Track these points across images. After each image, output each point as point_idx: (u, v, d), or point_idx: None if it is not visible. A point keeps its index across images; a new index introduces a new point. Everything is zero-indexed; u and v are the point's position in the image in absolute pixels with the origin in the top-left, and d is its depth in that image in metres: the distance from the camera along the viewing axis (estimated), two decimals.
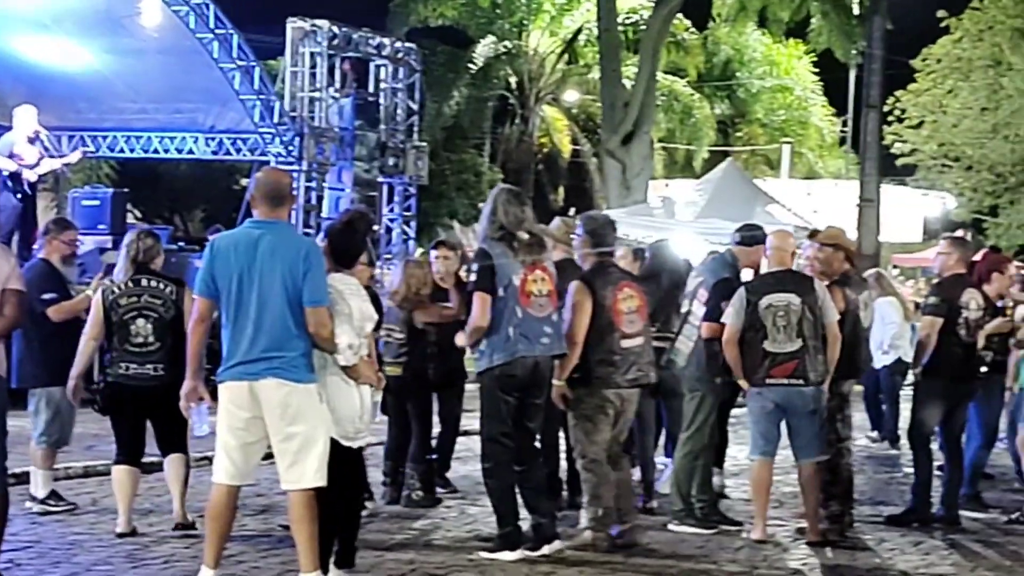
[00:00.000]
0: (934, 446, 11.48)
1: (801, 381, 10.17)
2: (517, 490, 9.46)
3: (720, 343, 10.39)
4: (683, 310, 10.86)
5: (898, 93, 42.88)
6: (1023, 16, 42.25)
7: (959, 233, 18.80)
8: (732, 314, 10.26)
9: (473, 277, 9.33)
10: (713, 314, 10.49)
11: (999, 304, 12.06)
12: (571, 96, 43.20)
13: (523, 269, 9.26)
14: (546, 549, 9.36)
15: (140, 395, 9.69)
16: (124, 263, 9.82)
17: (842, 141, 47.67)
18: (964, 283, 11.38)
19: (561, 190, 46.38)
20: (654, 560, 9.67)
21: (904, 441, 13.62)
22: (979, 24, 43.06)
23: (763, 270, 10.85)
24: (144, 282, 9.76)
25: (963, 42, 43.23)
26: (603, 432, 9.82)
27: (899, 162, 43.23)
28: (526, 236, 9.37)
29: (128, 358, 9.69)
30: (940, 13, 42.38)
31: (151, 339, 9.64)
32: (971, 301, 11.23)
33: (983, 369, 11.69)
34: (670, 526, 10.66)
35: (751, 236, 10.94)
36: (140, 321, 9.69)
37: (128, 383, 9.70)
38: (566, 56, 42.20)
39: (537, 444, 9.84)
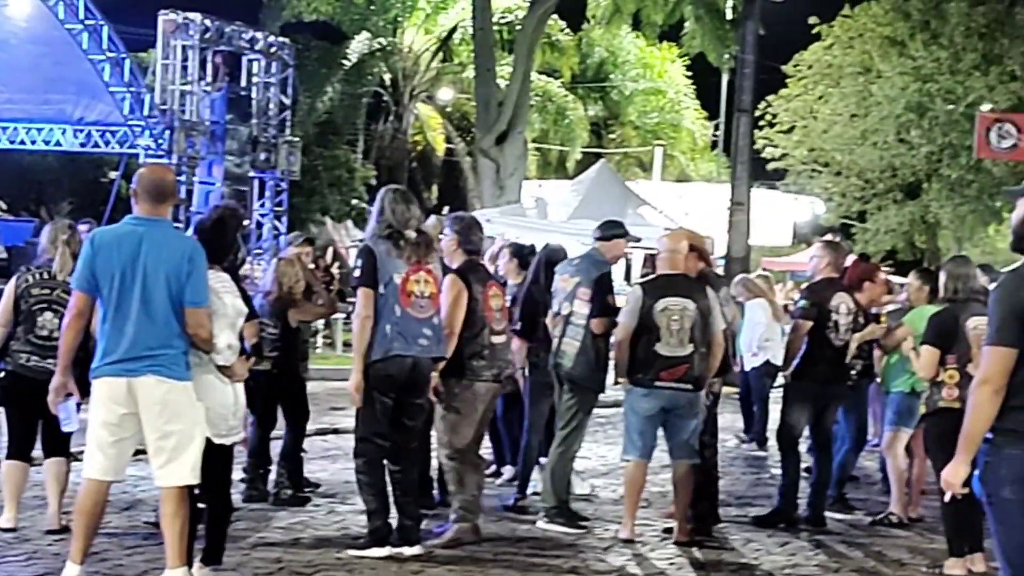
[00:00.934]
0: (802, 448, 11.58)
1: (689, 386, 10.24)
2: (389, 489, 9.42)
3: (602, 338, 10.48)
4: (563, 312, 10.86)
5: (769, 98, 43.37)
6: (893, 24, 42.95)
7: (828, 237, 19.01)
8: (627, 313, 10.27)
9: (356, 273, 9.31)
10: (601, 309, 10.55)
11: (873, 311, 12.23)
12: (445, 94, 43.17)
13: (406, 268, 9.26)
14: (407, 552, 9.33)
15: (36, 389, 9.43)
16: (64, 257, 9.55)
17: (714, 145, 48.14)
18: (835, 287, 11.49)
19: (435, 188, 46.34)
20: (523, 557, 9.66)
21: (772, 442, 13.75)
22: (850, 31, 43.70)
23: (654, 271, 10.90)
24: (59, 276, 9.54)
25: (834, 49, 43.85)
26: (470, 424, 9.90)
27: (770, 166, 43.75)
28: (413, 235, 9.36)
29: (30, 350, 9.47)
30: (812, 20, 42.96)
31: (56, 334, 9.39)
32: (841, 305, 11.35)
33: (853, 373, 11.83)
34: (540, 524, 10.66)
35: (611, 232, 11.05)
36: (48, 314, 9.46)
37: (26, 375, 9.43)
38: (441, 54, 42.14)
39: (414, 445, 9.79)
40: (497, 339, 9.98)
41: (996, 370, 5.94)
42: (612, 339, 10.56)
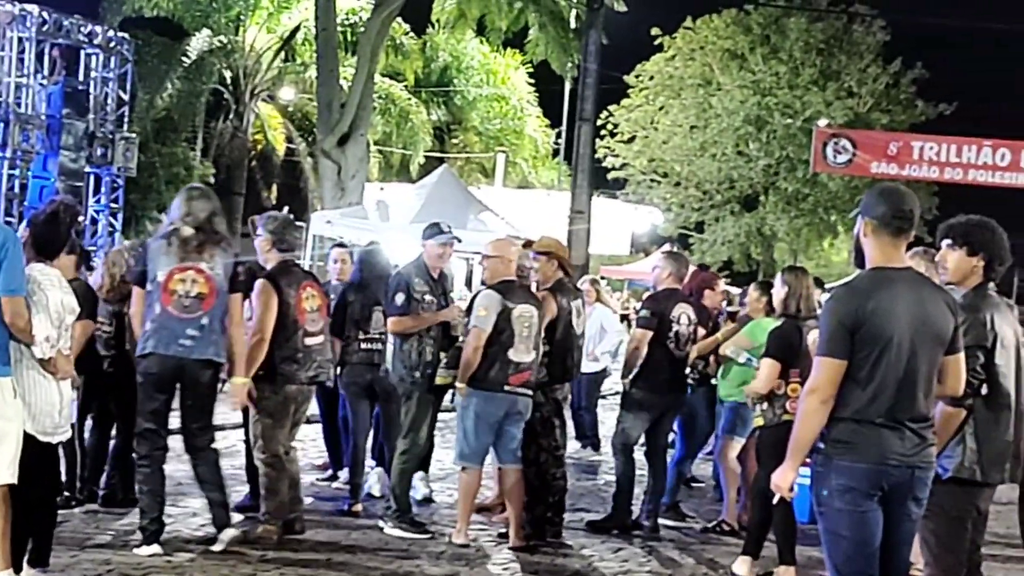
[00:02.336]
0: (638, 454, 11.64)
1: (530, 392, 10.31)
2: (193, 480, 9.50)
3: (405, 335, 10.51)
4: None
5: (611, 108, 43.77)
6: (734, 38, 43.60)
7: (668, 247, 19.18)
8: (485, 319, 10.20)
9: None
10: (391, 309, 10.56)
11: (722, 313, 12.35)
12: (287, 94, 42.79)
13: (172, 267, 9.18)
14: (223, 536, 9.37)
15: None
16: None
17: (556, 152, 48.31)
18: (676, 297, 11.58)
19: (275, 188, 45.90)
20: (358, 561, 9.61)
21: (606, 448, 13.81)
22: (691, 44, 44.32)
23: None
24: None
25: (675, 61, 44.43)
26: (284, 428, 9.93)
27: (610, 176, 44.13)
28: (190, 234, 9.25)
29: None
30: (654, 31, 43.43)
31: None
32: (682, 315, 11.44)
33: (691, 382, 11.93)
34: (384, 528, 10.59)
35: (427, 232, 11.01)
36: None
37: None
38: (283, 54, 41.78)
39: (206, 442, 9.64)
40: (312, 341, 9.98)
41: (825, 380, 6.04)
42: (467, 343, 10.43)
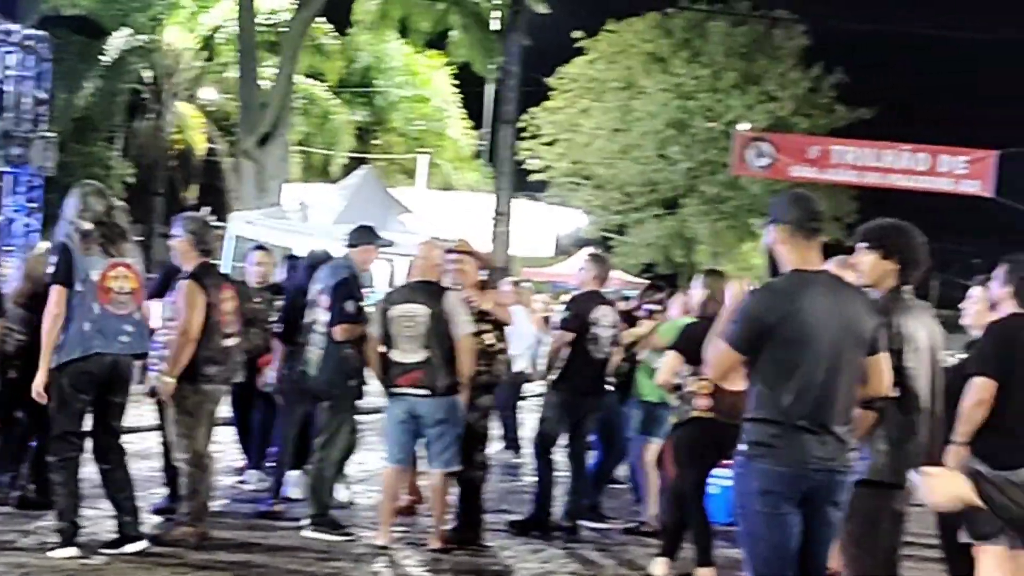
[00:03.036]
0: (559, 456, 11.64)
1: (427, 391, 10.18)
2: (103, 489, 9.44)
3: (351, 345, 10.42)
4: (306, 320, 10.78)
5: (534, 110, 43.75)
6: (656, 41, 43.76)
7: (591, 250, 19.22)
8: (373, 323, 10.29)
9: (51, 270, 9.18)
10: (340, 316, 10.43)
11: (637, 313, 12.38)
12: (208, 94, 42.49)
13: (104, 265, 9.15)
14: (129, 548, 9.29)
15: None
16: None
17: (478, 154, 48.27)
18: (597, 299, 11.60)
19: (195, 188, 45.56)
20: (278, 563, 9.57)
21: (527, 449, 13.80)
22: (613, 47, 44.40)
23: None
24: None
25: (598, 63, 44.52)
26: (204, 428, 9.88)
27: (532, 178, 44.12)
28: (108, 231, 9.24)
29: None
30: (576, 33, 43.48)
31: None
32: (603, 318, 11.46)
33: (611, 383, 11.95)
34: (305, 532, 10.53)
35: (360, 239, 10.99)
36: None
37: None
38: (204, 53, 41.49)
39: (121, 442, 9.62)
40: (230, 342, 9.98)
41: (714, 362, 6.27)
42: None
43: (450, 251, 10.92)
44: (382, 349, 10.31)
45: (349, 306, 10.51)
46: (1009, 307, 7.62)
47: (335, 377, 10.59)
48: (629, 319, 12.32)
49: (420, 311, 10.20)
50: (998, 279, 7.81)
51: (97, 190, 9.47)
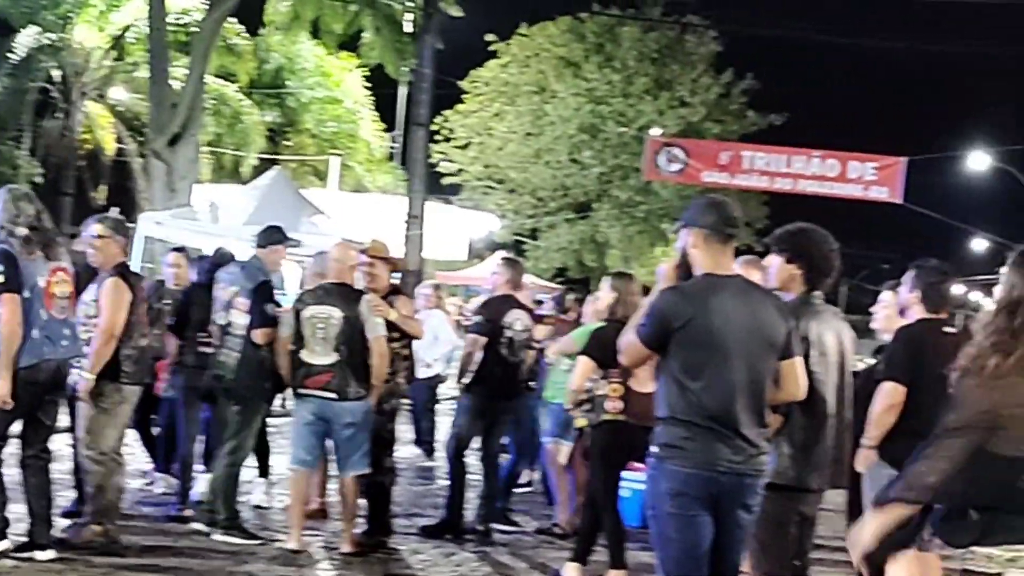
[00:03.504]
0: (473, 459, 11.64)
1: (336, 395, 10.13)
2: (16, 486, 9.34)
3: (270, 348, 10.36)
4: (219, 322, 10.71)
5: (446, 113, 43.71)
6: (568, 46, 43.85)
7: (504, 254, 19.24)
8: (284, 323, 10.25)
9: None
10: (261, 320, 10.37)
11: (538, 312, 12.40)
12: (117, 93, 42.07)
13: (47, 270, 9.09)
14: (39, 556, 9.17)
15: None
16: None
17: (391, 157, 48.16)
18: (511, 304, 11.61)
19: (104, 189, 45.12)
20: (187, 566, 9.52)
21: (440, 453, 13.79)
22: (526, 50, 44.44)
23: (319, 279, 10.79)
24: None
25: (510, 67, 44.53)
26: (117, 428, 9.82)
27: (445, 181, 44.07)
28: (43, 236, 9.16)
29: None
30: (489, 37, 43.51)
31: None
32: (516, 322, 11.48)
33: (524, 386, 11.96)
34: (214, 535, 10.46)
35: (269, 239, 10.94)
36: None
37: None
38: (114, 52, 41.09)
39: (49, 446, 9.54)
40: (145, 341, 9.96)
41: (626, 355, 6.36)
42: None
43: (363, 252, 10.89)
44: (291, 348, 10.26)
45: (269, 309, 10.47)
46: (918, 312, 7.70)
47: (252, 380, 10.52)
48: (536, 320, 12.37)
49: (334, 313, 10.17)
50: (907, 284, 7.90)
51: (24, 194, 9.37)
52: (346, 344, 10.14)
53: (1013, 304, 4.84)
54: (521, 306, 11.77)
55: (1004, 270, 4.54)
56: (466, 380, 11.50)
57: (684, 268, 6.46)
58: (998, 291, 4.64)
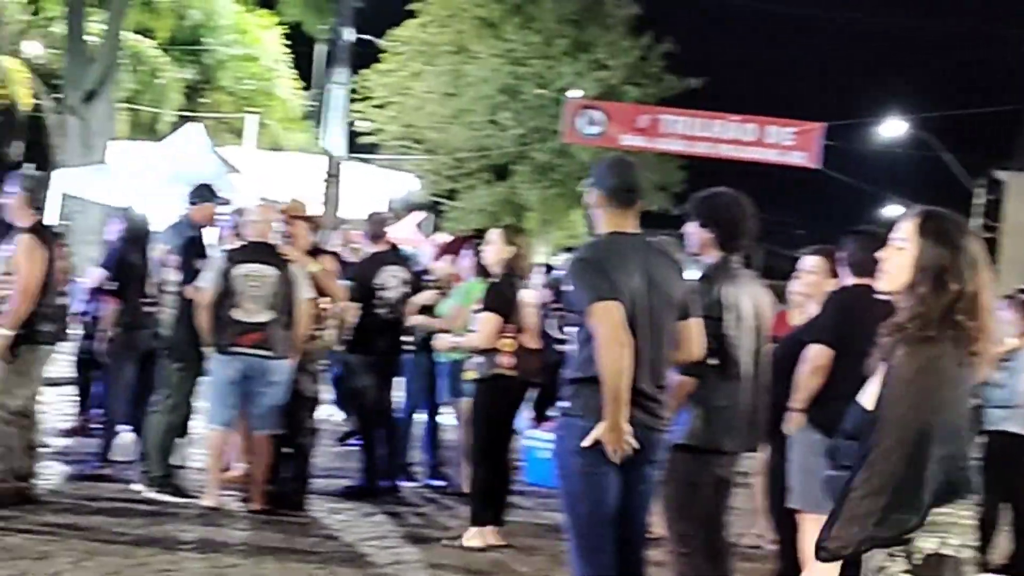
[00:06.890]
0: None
1: (268, 352, 10.17)
2: None
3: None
4: (154, 279, 10.73)
5: (365, 72, 43.49)
6: (487, 6, 43.73)
7: (417, 214, 19.25)
8: (209, 279, 10.22)
9: None
10: (193, 276, 10.38)
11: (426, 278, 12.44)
12: (33, 48, 41.57)
13: None
14: None
15: None
16: None
17: (308, 115, 47.89)
18: (380, 262, 11.69)
19: (19, 145, 44.62)
20: (106, 524, 9.49)
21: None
22: (445, 10, 44.26)
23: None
24: None
25: (430, 27, 44.34)
26: (30, 387, 9.81)
27: (363, 140, 43.90)
28: None
29: None
30: None
31: None
32: (389, 279, 11.58)
33: (406, 344, 11.99)
34: (146, 492, 10.51)
35: (199, 197, 11.05)
36: None
37: None
38: (30, 7, 40.58)
39: None
40: (62, 300, 10.02)
41: (617, 323, 6.00)
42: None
43: (282, 212, 10.90)
44: (215, 305, 10.23)
45: (200, 264, 10.46)
46: (849, 279, 7.77)
47: (191, 336, 10.50)
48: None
49: (269, 272, 10.20)
50: (844, 252, 7.88)
51: None
52: (280, 303, 10.19)
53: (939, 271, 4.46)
54: (395, 261, 11.85)
55: (903, 232, 4.42)
56: (349, 343, 11.62)
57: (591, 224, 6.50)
58: (906, 255, 4.44)
